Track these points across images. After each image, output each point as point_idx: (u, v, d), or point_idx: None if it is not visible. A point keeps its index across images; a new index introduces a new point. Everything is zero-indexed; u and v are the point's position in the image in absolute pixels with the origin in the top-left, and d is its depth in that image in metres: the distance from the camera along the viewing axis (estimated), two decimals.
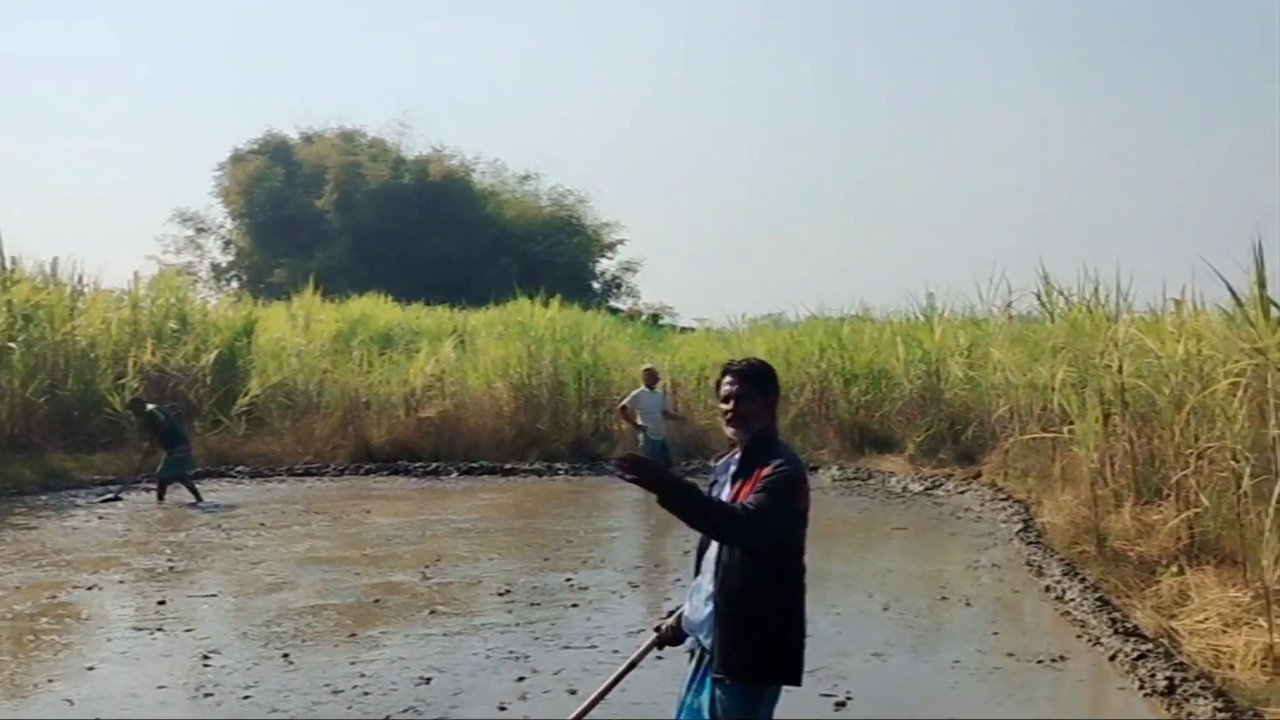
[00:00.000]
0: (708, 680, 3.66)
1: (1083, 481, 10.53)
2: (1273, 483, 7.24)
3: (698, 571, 3.90)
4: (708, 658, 3.72)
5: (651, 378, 15.17)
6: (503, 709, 6.04)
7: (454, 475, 16.73)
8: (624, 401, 15.05)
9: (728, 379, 3.90)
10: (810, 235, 56.06)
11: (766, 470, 3.64)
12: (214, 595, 8.95)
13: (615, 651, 6.94)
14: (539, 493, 15.05)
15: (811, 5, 64.67)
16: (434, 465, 17.08)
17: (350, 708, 6.05)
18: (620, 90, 65.52)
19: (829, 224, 55.29)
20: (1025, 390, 13.23)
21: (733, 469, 3.85)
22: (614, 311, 34.57)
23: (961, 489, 14.34)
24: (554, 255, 41.05)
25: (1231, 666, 6.42)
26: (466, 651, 7.22)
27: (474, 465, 17.06)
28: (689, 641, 3.86)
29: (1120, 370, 10.28)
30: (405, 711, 5.97)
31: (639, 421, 14.82)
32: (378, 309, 25.27)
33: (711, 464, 4.04)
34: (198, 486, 14.16)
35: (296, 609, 8.41)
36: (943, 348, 16.53)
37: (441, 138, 53.23)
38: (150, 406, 14.34)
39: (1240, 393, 7.71)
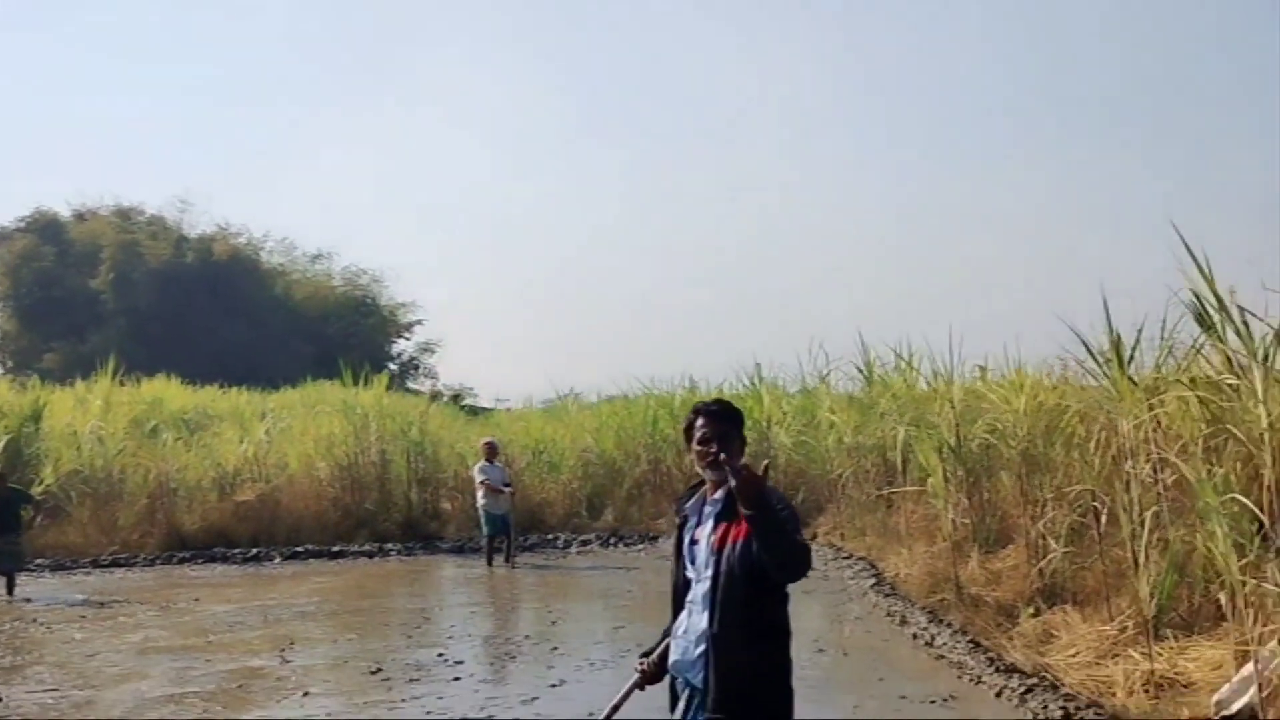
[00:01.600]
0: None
1: (937, 533, 11.03)
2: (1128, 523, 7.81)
3: (677, 611, 3.86)
4: (698, 698, 3.69)
5: (491, 451, 14.96)
6: None
7: (277, 560, 15.81)
8: (479, 477, 14.62)
9: (701, 420, 3.82)
10: (601, 314, 56.28)
11: None
12: (55, 690, 8.15)
13: None
14: (377, 574, 14.44)
15: (626, 88, 65.52)
16: (254, 551, 16.12)
17: None
18: (412, 168, 64.88)
19: (626, 302, 55.51)
20: (860, 452, 13.77)
21: (708, 509, 3.81)
22: (413, 393, 33.90)
23: None
24: (349, 337, 39.95)
25: (1114, 694, 6.81)
26: None
27: (298, 549, 16.20)
28: (679, 683, 3.81)
29: (956, 427, 10.88)
30: None
31: (480, 497, 14.54)
32: (170, 392, 23.84)
33: (674, 508, 4.08)
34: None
35: (155, 698, 7.77)
36: (770, 416, 17.02)
37: (227, 215, 50.85)
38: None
39: (1095, 438, 8.29)
